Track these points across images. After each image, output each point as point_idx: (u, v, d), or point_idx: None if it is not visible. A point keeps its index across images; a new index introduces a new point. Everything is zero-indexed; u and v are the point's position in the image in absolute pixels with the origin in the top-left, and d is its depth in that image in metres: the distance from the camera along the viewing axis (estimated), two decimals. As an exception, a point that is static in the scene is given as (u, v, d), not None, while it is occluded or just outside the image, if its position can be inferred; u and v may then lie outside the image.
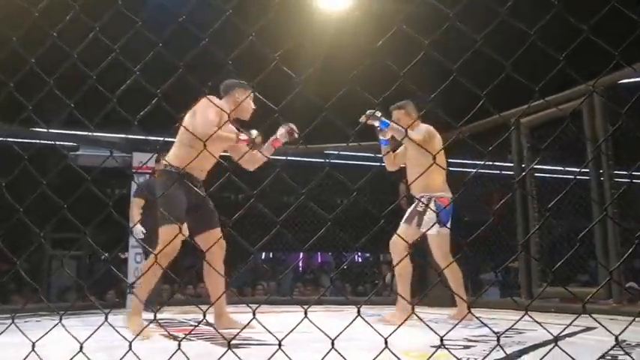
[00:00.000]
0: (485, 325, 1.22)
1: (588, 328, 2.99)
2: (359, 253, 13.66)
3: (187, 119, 3.14)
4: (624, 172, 4.80)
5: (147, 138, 5.98)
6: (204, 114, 3.07)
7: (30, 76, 1.72)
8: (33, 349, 1.42)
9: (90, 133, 6.01)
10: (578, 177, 4.24)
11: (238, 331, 1.34)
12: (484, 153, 1.32)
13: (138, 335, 1.47)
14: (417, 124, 3.84)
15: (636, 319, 1.40)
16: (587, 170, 4.34)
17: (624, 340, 1.83)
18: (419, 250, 4.55)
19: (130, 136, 5.91)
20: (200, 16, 1.86)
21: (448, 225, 3.79)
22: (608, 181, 4.19)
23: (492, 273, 8.33)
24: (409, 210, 3.86)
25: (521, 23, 1.40)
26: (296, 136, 3.41)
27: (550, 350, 1.20)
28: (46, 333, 1.54)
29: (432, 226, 3.67)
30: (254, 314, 1.14)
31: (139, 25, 1.46)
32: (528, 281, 4.76)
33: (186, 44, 1.56)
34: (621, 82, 4.32)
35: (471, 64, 1.45)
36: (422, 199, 3.76)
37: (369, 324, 1.19)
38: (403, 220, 3.86)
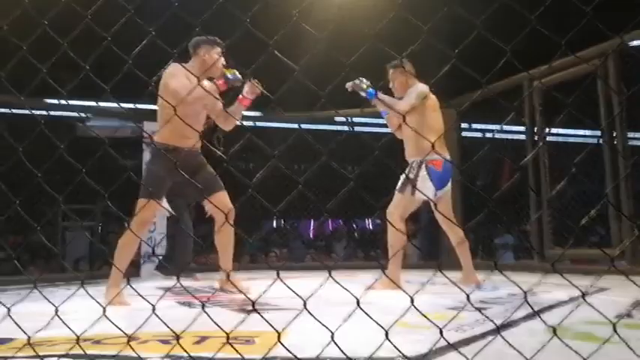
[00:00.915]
0: (519, 286, 1.21)
1: (602, 289, 2.99)
2: (369, 220, 13.73)
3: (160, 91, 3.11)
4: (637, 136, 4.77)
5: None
6: (171, 83, 3.04)
7: (35, 43, 1.69)
8: (56, 314, 1.43)
9: (100, 104, 6.00)
10: (588, 140, 4.22)
11: (261, 294, 1.35)
12: (512, 109, 1.29)
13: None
14: (412, 84, 3.69)
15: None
16: (599, 135, 4.30)
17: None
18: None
19: (139, 106, 5.86)
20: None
21: (447, 187, 3.66)
22: (621, 144, 4.15)
23: (506, 237, 8.37)
24: (402, 177, 3.69)
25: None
26: (258, 91, 3.36)
27: (577, 306, 1.20)
28: (68, 298, 1.56)
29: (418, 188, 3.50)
30: (278, 275, 1.14)
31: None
32: (540, 243, 4.76)
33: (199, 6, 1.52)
34: (633, 44, 4.25)
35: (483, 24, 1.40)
36: (413, 164, 3.64)
37: (398, 286, 1.19)
38: (397, 189, 3.69)
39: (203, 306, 1.25)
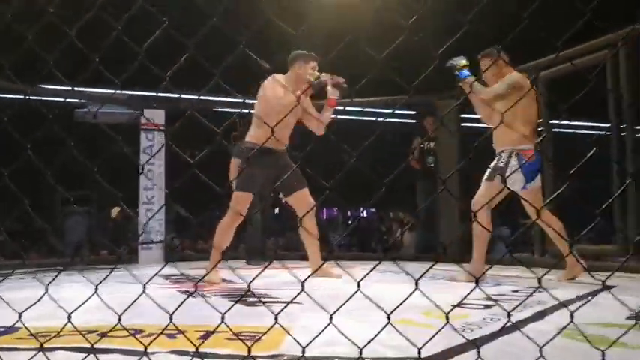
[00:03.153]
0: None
1: (608, 287, 2.94)
2: (364, 210, 13.69)
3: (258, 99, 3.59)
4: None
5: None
6: (272, 90, 3.47)
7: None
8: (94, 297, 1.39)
9: (99, 90, 5.91)
10: (593, 132, 4.19)
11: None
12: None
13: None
14: (505, 73, 3.49)
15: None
16: (608, 125, 4.27)
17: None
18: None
19: (139, 93, 5.80)
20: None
21: (537, 180, 3.53)
22: (630, 138, 4.10)
23: (501, 229, 8.32)
24: (491, 166, 3.52)
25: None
26: (344, 85, 3.60)
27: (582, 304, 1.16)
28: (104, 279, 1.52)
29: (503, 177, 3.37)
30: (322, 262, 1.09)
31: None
32: (542, 238, 4.71)
33: None
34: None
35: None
36: (502, 154, 3.48)
37: (451, 285, 1.14)
38: (485, 178, 3.54)
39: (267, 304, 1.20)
